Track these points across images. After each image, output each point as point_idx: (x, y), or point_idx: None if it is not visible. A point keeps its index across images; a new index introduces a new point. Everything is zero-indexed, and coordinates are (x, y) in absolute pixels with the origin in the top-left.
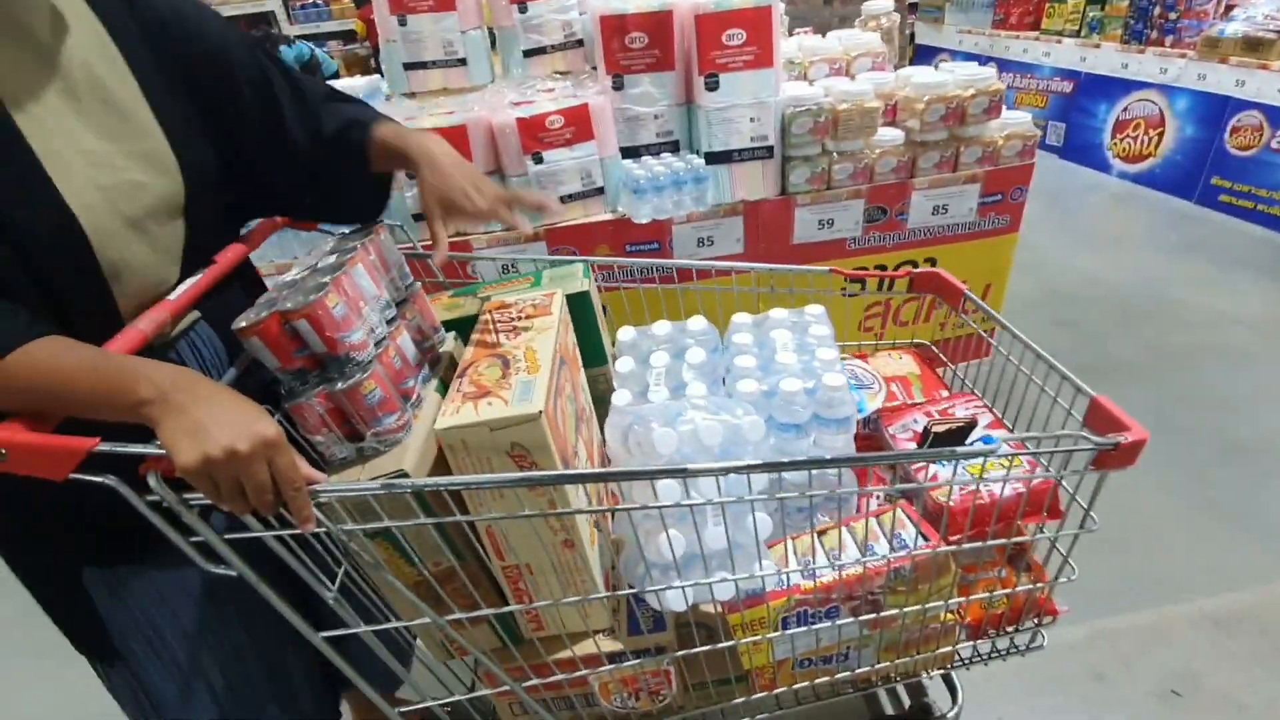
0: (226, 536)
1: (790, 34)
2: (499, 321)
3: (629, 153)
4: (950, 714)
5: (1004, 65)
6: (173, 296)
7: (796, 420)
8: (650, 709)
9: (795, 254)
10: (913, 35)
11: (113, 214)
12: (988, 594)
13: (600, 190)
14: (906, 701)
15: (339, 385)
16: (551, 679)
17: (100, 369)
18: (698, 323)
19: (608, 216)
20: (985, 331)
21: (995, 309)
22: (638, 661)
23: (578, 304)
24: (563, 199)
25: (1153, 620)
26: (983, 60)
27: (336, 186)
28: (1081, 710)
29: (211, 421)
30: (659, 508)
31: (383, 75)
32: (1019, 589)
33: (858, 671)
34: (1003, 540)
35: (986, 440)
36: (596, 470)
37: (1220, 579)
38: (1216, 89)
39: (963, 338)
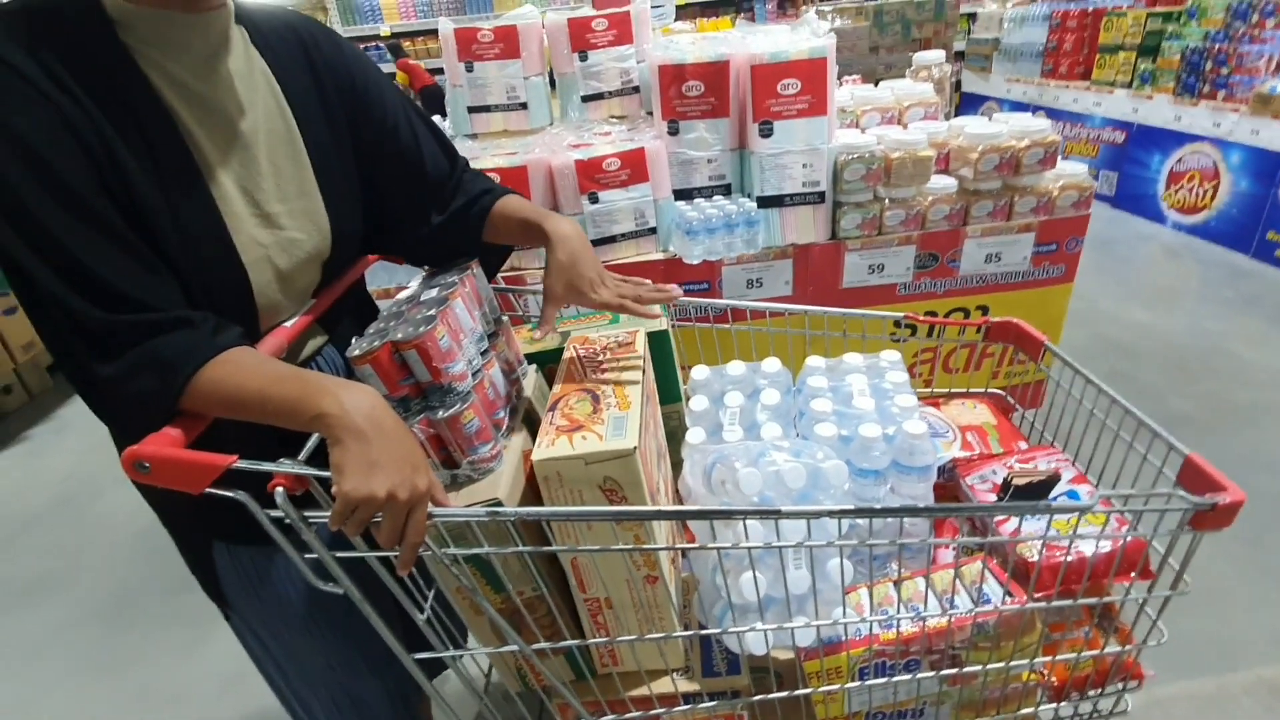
0: (337, 555)
1: (840, 82)
2: (584, 357)
3: (682, 195)
4: None
5: (1053, 114)
6: (289, 324)
7: (875, 466)
8: None
9: (844, 298)
10: (958, 83)
11: (268, 266)
12: (1074, 654)
13: (653, 230)
14: None
15: (440, 414)
16: (628, 716)
17: (285, 379)
18: (772, 364)
19: (659, 256)
20: (1063, 383)
21: (1049, 360)
22: (713, 704)
23: (657, 341)
24: (616, 238)
25: (1209, 688)
26: (1032, 109)
27: (460, 249)
28: None
29: (386, 460)
30: (748, 548)
31: (443, 117)
32: (1106, 651)
33: None
34: (1091, 600)
35: (1072, 495)
36: (690, 508)
37: (1278, 647)
38: (1269, 145)
39: (1019, 386)
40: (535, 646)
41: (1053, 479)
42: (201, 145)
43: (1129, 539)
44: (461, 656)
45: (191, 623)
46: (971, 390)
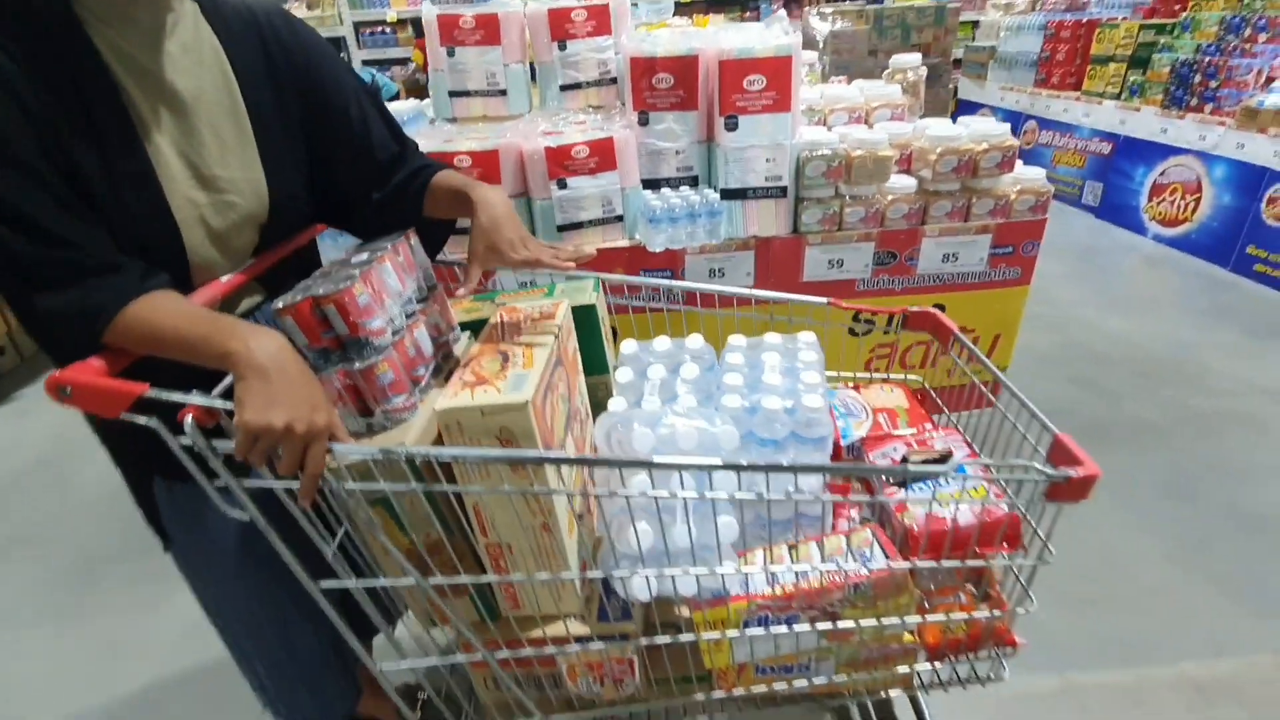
0: (245, 483)
1: (828, 81)
2: (507, 324)
3: (650, 184)
4: None
5: (1044, 124)
6: (224, 279)
7: (775, 436)
8: (614, 697)
9: (804, 291)
10: (956, 90)
11: (201, 225)
12: (945, 616)
13: (619, 218)
14: None
15: (357, 365)
16: (522, 653)
17: (201, 320)
18: (695, 341)
19: (625, 243)
20: (974, 373)
21: (1004, 361)
22: (603, 646)
23: (583, 315)
24: (583, 224)
25: (1131, 680)
26: (1023, 118)
27: (401, 222)
28: None
29: (285, 397)
30: (625, 495)
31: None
32: (976, 615)
33: (816, 683)
34: (956, 563)
35: (960, 471)
36: (568, 456)
37: (1209, 646)
38: (1254, 159)
39: (963, 387)
40: (433, 581)
41: (945, 456)
42: (141, 110)
43: (998, 510)
44: (365, 585)
45: (158, 580)
46: (891, 376)
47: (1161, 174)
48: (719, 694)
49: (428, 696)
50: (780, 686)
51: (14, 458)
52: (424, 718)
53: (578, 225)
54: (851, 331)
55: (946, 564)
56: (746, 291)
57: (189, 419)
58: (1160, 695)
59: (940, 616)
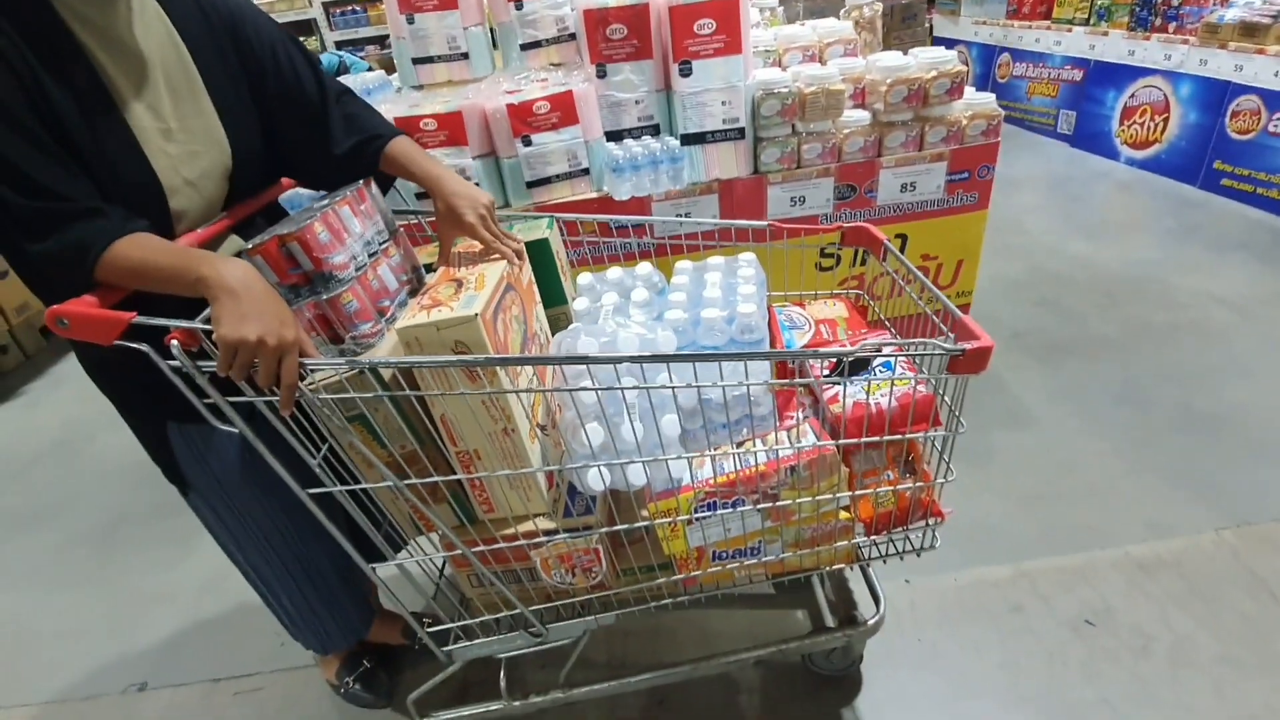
0: (230, 399)
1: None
2: (463, 256)
3: (613, 136)
4: (873, 620)
5: (1017, 55)
6: (201, 229)
7: (716, 343)
8: (585, 585)
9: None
10: (931, 28)
11: (176, 174)
12: (873, 491)
13: (585, 171)
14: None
15: (324, 295)
16: (497, 547)
17: (176, 253)
18: (644, 268)
19: (593, 195)
20: (904, 280)
21: (969, 285)
22: (567, 536)
23: (537, 249)
24: (551, 179)
25: (1078, 562)
26: (997, 51)
27: (356, 178)
28: (995, 637)
29: (254, 313)
30: (570, 390)
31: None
32: (900, 487)
33: (766, 561)
34: (876, 438)
35: (887, 365)
36: (512, 356)
37: (1152, 530)
38: (1217, 74)
39: (915, 316)
40: (407, 482)
41: (875, 353)
42: (109, 72)
43: (919, 396)
44: (354, 490)
45: (174, 541)
46: (835, 291)
47: (1131, 96)
48: (679, 576)
49: (434, 618)
50: (734, 568)
51: (30, 442)
52: (432, 637)
53: (545, 180)
54: (820, 267)
55: (867, 440)
56: (691, 221)
57: (174, 343)
58: (1104, 573)
59: (869, 491)
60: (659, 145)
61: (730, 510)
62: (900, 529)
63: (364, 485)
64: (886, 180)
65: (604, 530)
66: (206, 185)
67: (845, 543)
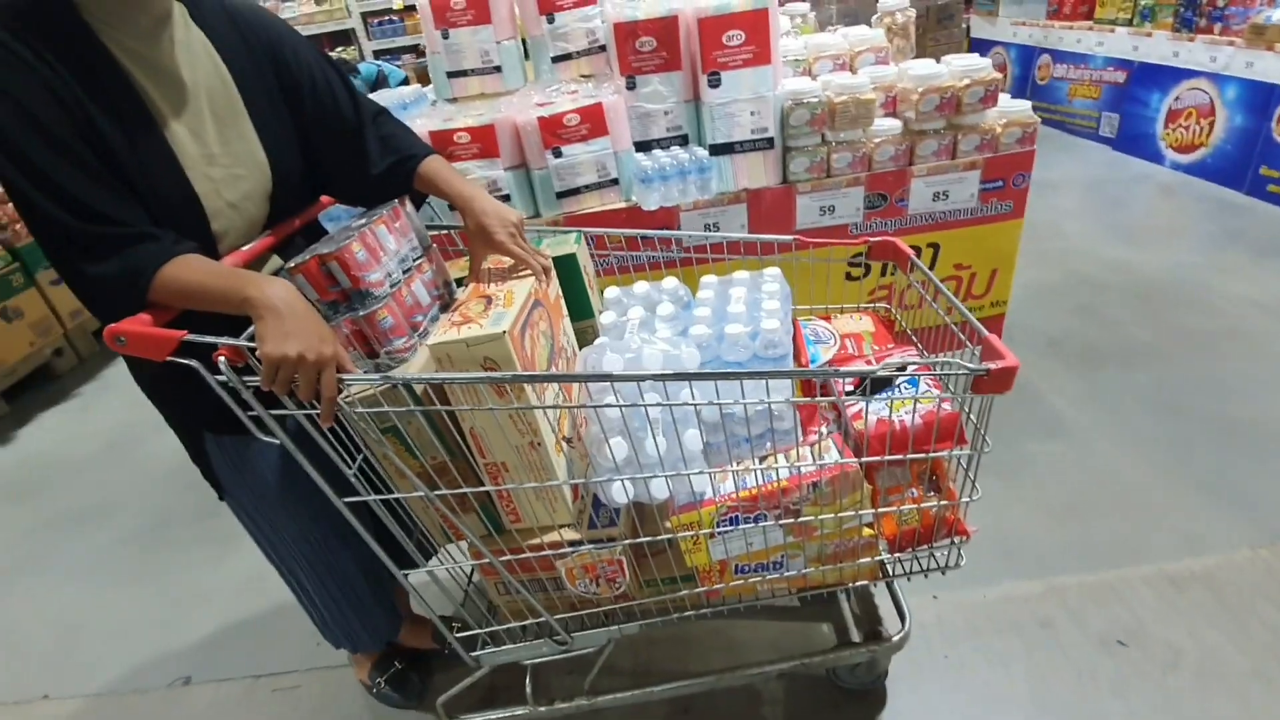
0: (272, 412)
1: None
2: (492, 273)
3: (642, 146)
4: (898, 636)
5: (1058, 56)
6: (245, 249)
7: (740, 359)
8: (609, 594)
9: (797, 239)
10: (968, 29)
11: (219, 197)
12: (897, 510)
13: (615, 181)
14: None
15: (360, 312)
16: (523, 557)
17: (224, 274)
18: (670, 282)
19: (622, 205)
20: (929, 295)
21: (1003, 295)
22: (592, 547)
23: (564, 264)
24: (580, 190)
25: (1110, 578)
26: (1037, 52)
27: (392, 196)
28: (1023, 653)
29: (296, 331)
30: (594, 406)
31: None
32: (924, 505)
33: (788, 576)
34: (899, 456)
35: (912, 383)
36: (538, 374)
37: (1185, 545)
38: (1264, 77)
39: (942, 329)
40: (437, 493)
41: (900, 368)
42: (154, 100)
43: (943, 413)
44: (381, 498)
45: (217, 541)
46: (861, 305)
47: (1176, 99)
48: (702, 589)
49: (463, 623)
50: (756, 581)
51: (84, 444)
52: (460, 642)
53: (575, 191)
54: (849, 276)
55: (890, 459)
56: (717, 236)
57: (222, 359)
58: (1136, 589)
59: (892, 509)
60: (687, 156)
61: (752, 525)
62: (925, 546)
63: (397, 495)
64: (918, 189)
65: (627, 542)
66: (248, 207)
67: (868, 559)
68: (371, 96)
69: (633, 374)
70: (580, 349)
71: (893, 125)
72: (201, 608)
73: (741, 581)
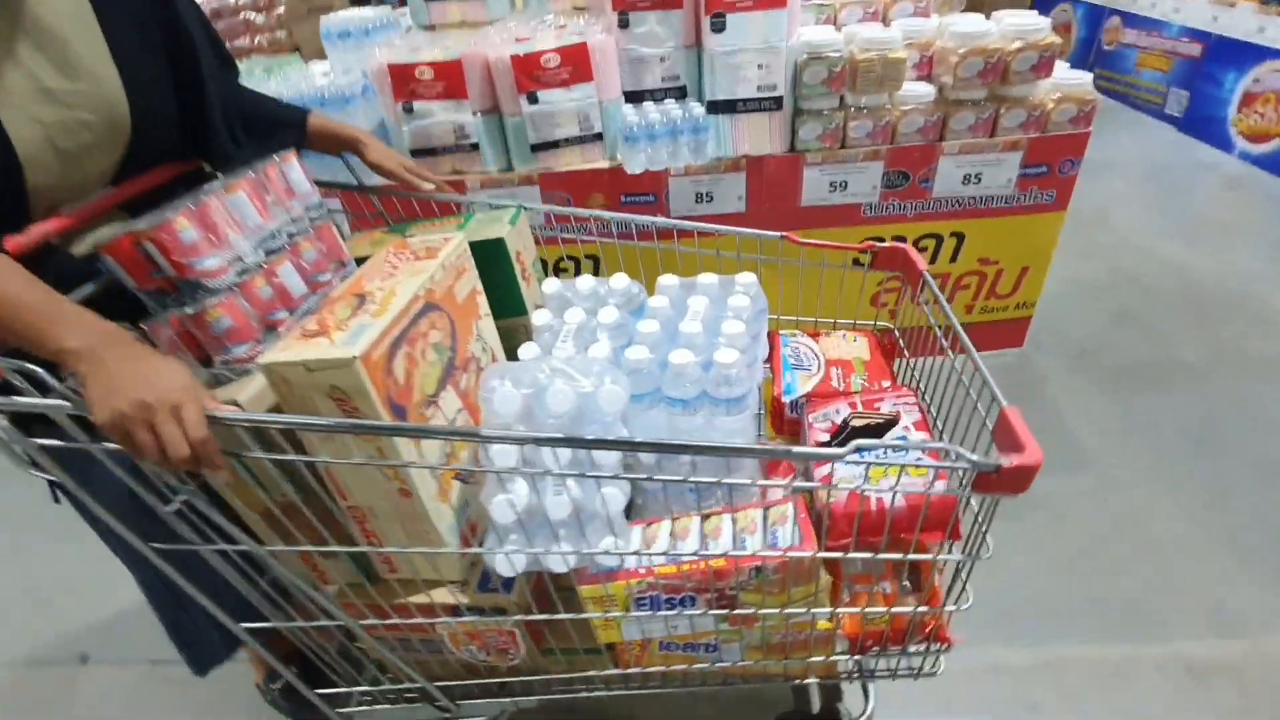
0: (40, 442)
1: None
2: (387, 262)
3: (634, 98)
4: (859, 716)
5: (1129, 20)
6: (78, 207)
7: (684, 396)
8: (499, 665)
9: (803, 217)
10: None
11: (46, 144)
12: (860, 609)
13: (599, 136)
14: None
15: (188, 309)
16: (391, 622)
17: (34, 309)
18: (619, 280)
19: (605, 165)
20: (939, 324)
21: (1032, 296)
22: (472, 619)
23: (489, 250)
24: (559, 143)
25: (1117, 657)
26: (1106, 13)
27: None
28: None
29: (125, 378)
30: (482, 470)
31: (397, 4)
32: (897, 609)
33: (723, 666)
34: (866, 554)
35: (861, 454)
36: (381, 424)
37: (1212, 622)
38: None
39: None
40: (268, 548)
41: (889, 423)
42: None
43: (936, 494)
44: (202, 549)
45: None
46: (859, 323)
47: (1255, 81)
48: (617, 671)
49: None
50: (684, 664)
51: None
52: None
53: (553, 144)
54: (856, 262)
55: (856, 555)
56: (689, 224)
57: None
58: (1146, 674)
59: (854, 609)
60: (681, 112)
61: (674, 611)
62: (896, 648)
63: (229, 547)
64: (946, 169)
65: (519, 618)
66: (89, 160)
67: (822, 658)
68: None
69: (505, 435)
70: (500, 353)
71: (925, 91)
72: (106, 585)
73: (665, 665)
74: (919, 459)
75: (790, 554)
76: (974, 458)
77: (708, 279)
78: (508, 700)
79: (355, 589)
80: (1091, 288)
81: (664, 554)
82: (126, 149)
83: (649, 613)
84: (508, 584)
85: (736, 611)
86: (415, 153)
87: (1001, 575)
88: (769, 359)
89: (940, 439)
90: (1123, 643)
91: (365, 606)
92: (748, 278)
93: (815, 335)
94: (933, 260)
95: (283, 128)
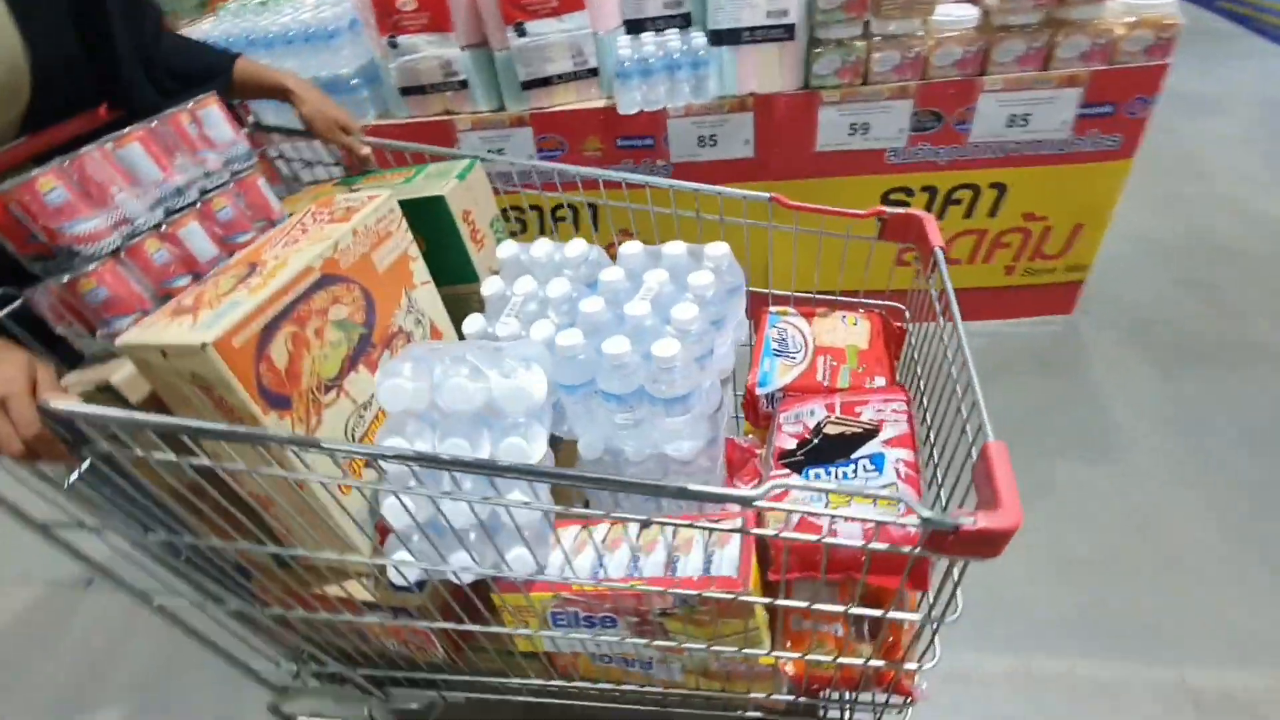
0: None
1: None
2: (300, 224)
3: (634, 27)
4: None
5: None
6: None
7: (619, 390)
8: (422, 661)
9: (818, 164)
10: None
11: None
12: (800, 654)
13: (594, 72)
14: None
15: (64, 278)
16: (293, 614)
17: None
18: (576, 246)
19: (601, 104)
20: (941, 313)
21: (1086, 258)
22: (377, 619)
23: (428, 210)
24: (550, 80)
25: (1114, 676)
26: None
27: None
28: None
29: None
30: (343, 483)
31: None
32: (844, 660)
33: (662, 682)
34: (803, 602)
35: (877, 460)
36: (223, 428)
37: (1229, 650)
38: None
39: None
40: (190, 539)
41: (868, 434)
42: None
43: (900, 530)
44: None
45: None
46: (867, 301)
47: None
48: (546, 682)
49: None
50: (619, 685)
51: None
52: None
53: (545, 81)
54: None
55: (783, 602)
56: (664, 181)
57: None
58: (1139, 701)
59: (794, 655)
60: (679, 44)
61: (592, 630)
62: (837, 695)
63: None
64: (988, 108)
65: (426, 625)
66: None
67: (764, 695)
68: None
69: (369, 451)
70: (444, 326)
71: (964, 15)
72: None
73: (603, 677)
74: (854, 511)
75: (710, 592)
76: (926, 513)
77: (674, 249)
78: (434, 694)
79: (268, 573)
80: (1161, 248)
81: (556, 575)
82: (30, 99)
83: (563, 633)
84: (420, 583)
85: (658, 643)
86: (405, 91)
87: (996, 568)
88: (753, 342)
89: (931, 458)
90: (1120, 658)
91: (282, 591)
92: (719, 249)
93: (810, 314)
94: (968, 214)
95: (211, 75)
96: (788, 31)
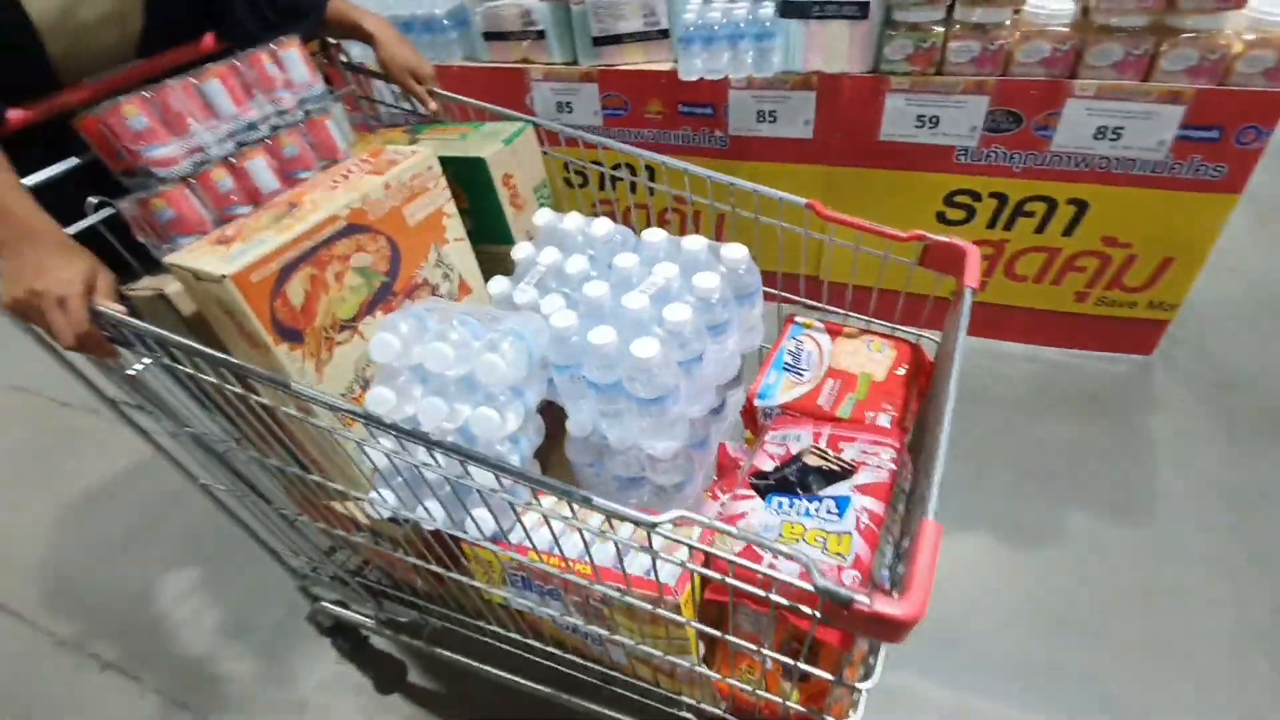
0: None
1: None
2: (345, 169)
3: None
4: None
5: None
6: (101, 79)
7: (602, 380)
8: (414, 587)
9: (880, 154)
10: None
11: (64, 14)
12: (724, 677)
13: (664, 33)
14: None
15: (140, 195)
16: (300, 519)
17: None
18: (602, 225)
19: (668, 66)
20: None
21: (1176, 296)
22: (364, 538)
23: (469, 169)
24: (621, 38)
25: None
26: None
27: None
28: None
29: (31, 267)
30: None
31: None
32: (762, 694)
33: (606, 666)
34: (710, 629)
35: (842, 503)
36: (230, 360)
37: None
38: None
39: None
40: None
41: (844, 473)
42: None
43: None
44: None
45: None
46: (901, 329)
47: None
48: (529, 640)
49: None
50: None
51: None
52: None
53: (616, 39)
54: (941, 218)
55: (696, 624)
56: (701, 171)
57: None
58: None
59: (716, 677)
60: (745, 11)
61: (539, 599)
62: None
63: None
64: (1075, 115)
65: (410, 559)
66: (105, 30)
67: (695, 700)
68: None
69: (330, 402)
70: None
71: (1060, 9)
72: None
73: (568, 644)
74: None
75: (629, 595)
76: (823, 582)
77: (693, 243)
78: (417, 615)
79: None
80: (1266, 299)
81: (492, 541)
82: (143, 22)
83: (516, 594)
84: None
85: (592, 626)
86: (488, 36)
87: (956, 592)
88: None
89: (894, 512)
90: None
91: (300, 497)
92: (736, 251)
93: (837, 331)
94: (1039, 229)
95: (304, 12)
96: (861, 9)
